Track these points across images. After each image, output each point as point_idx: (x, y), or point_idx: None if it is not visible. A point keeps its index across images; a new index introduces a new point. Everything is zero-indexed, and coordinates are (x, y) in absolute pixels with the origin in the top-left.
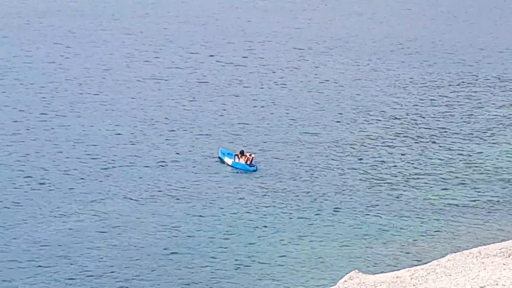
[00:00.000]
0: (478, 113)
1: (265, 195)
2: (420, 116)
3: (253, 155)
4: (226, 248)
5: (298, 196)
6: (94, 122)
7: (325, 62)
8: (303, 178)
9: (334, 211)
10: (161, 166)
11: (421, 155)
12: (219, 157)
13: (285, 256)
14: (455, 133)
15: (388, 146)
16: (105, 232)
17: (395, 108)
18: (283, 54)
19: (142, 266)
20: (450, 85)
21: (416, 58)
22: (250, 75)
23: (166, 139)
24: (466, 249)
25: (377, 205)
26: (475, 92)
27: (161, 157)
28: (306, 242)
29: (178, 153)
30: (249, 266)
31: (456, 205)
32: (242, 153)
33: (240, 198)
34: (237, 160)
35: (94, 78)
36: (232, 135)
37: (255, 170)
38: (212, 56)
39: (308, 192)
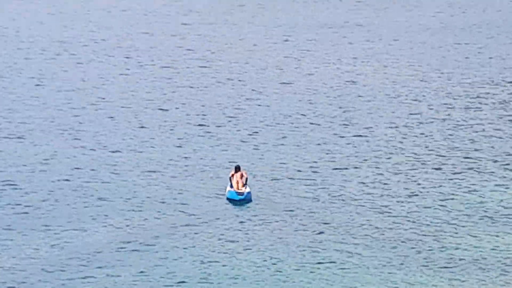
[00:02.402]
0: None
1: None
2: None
3: (244, 174)
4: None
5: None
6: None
7: (322, 69)
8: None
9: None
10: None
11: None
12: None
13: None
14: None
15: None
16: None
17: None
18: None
19: None
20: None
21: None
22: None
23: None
24: None
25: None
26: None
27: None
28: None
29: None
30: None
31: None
32: (237, 169)
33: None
34: (232, 179)
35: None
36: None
37: (242, 199)
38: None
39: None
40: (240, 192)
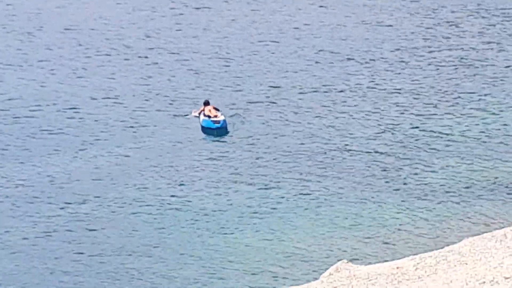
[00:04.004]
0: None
1: (236, 171)
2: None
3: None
4: (195, 240)
5: (275, 172)
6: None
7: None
8: (283, 149)
9: (321, 190)
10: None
11: (429, 125)
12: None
13: (261, 247)
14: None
15: (388, 118)
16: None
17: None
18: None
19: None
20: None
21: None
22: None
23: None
24: (487, 232)
25: (374, 184)
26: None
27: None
28: (287, 229)
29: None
30: (221, 259)
31: (473, 182)
32: (206, 104)
33: (208, 176)
34: (204, 112)
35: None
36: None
37: (219, 128)
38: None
39: (289, 168)
40: (216, 121)
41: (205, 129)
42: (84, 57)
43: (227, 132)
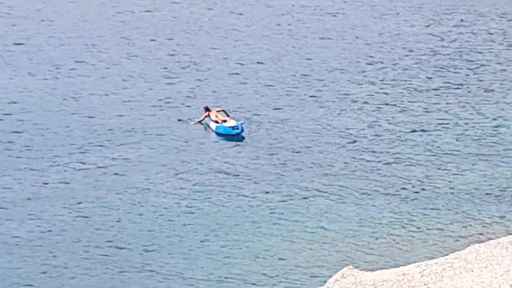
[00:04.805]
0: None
1: (241, 176)
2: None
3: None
4: (199, 244)
5: (282, 178)
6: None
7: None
8: (289, 155)
9: (328, 196)
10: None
11: (435, 132)
12: (206, 123)
13: (267, 253)
14: (474, 108)
15: (398, 127)
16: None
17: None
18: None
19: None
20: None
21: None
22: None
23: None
24: (493, 239)
25: (381, 189)
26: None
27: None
28: (293, 234)
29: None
30: (226, 263)
31: (478, 189)
32: (207, 109)
33: (219, 182)
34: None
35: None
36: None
37: (239, 133)
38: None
39: (296, 174)
40: (234, 126)
41: (223, 135)
42: (91, 63)
43: (243, 137)
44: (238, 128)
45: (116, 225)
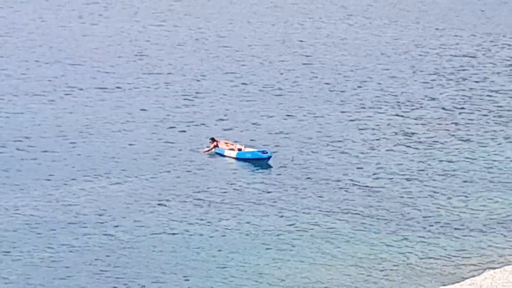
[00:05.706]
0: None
1: (251, 199)
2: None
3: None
4: (207, 265)
5: (296, 202)
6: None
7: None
8: (303, 180)
9: (341, 223)
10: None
11: (447, 158)
12: (216, 152)
13: (283, 277)
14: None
15: (409, 154)
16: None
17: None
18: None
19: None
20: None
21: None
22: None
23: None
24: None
25: (394, 218)
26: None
27: (154, 154)
28: (305, 260)
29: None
30: (231, 283)
31: (492, 214)
32: (213, 140)
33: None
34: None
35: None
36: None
37: (269, 157)
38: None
39: (310, 199)
40: (263, 151)
41: (252, 161)
42: (106, 88)
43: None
44: (267, 153)
45: (128, 250)
